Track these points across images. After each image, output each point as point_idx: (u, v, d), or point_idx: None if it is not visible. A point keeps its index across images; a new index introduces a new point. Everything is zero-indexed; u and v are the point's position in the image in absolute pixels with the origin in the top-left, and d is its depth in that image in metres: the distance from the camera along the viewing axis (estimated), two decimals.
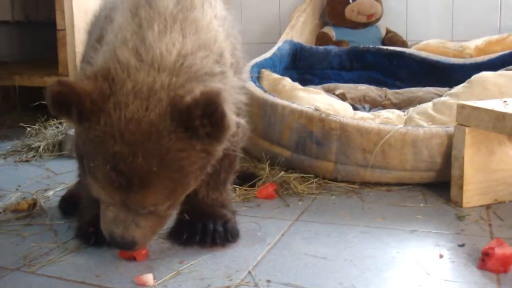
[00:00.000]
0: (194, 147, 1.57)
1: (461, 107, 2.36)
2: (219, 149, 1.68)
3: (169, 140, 1.53)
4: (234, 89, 1.78)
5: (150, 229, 1.70)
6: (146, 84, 1.54)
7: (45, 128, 3.69)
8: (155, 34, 1.60)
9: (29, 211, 2.37)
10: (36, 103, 3.88)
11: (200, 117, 1.51)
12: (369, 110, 3.49)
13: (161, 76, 1.55)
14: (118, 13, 1.72)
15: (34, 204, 2.41)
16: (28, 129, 3.67)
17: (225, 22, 1.85)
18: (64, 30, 4.04)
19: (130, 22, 1.64)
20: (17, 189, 2.70)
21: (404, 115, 3.13)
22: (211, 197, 2.05)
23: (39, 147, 3.43)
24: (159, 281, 1.73)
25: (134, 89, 1.54)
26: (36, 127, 3.70)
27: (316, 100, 3.02)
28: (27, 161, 3.29)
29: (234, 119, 1.61)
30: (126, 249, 1.73)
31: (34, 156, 3.34)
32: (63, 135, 3.49)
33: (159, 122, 1.53)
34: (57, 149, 3.43)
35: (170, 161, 1.55)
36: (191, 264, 1.84)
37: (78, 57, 3.74)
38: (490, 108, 2.23)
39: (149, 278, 1.73)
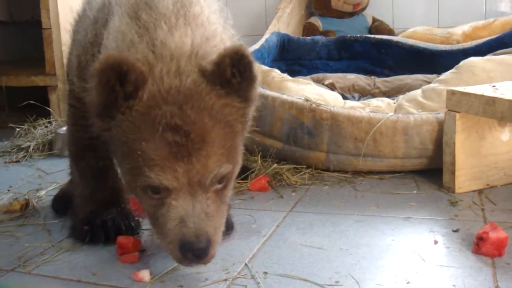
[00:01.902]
0: (233, 104, 1.58)
1: (451, 93, 2.37)
2: (250, 112, 1.69)
3: (210, 98, 1.54)
4: None
5: (219, 220, 1.60)
6: (173, 66, 1.55)
7: (34, 128, 3.67)
8: (164, 31, 1.60)
9: (22, 212, 2.36)
10: (24, 103, 3.88)
11: (230, 66, 1.53)
12: (359, 99, 3.50)
13: (182, 61, 1.56)
14: (114, 17, 1.71)
15: (26, 204, 2.40)
16: (17, 129, 3.65)
17: (221, 16, 1.85)
18: (50, 28, 4.01)
19: (132, 26, 1.64)
20: (8, 190, 2.69)
21: (394, 103, 3.14)
22: None
23: (29, 147, 3.41)
24: (156, 277, 1.73)
25: (162, 71, 1.54)
26: (25, 127, 3.68)
27: (305, 90, 3.02)
28: (17, 161, 3.27)
29: (259, 76, 1.65)
30: (203, 252, 1.53)
31: (24, 156, 3.32)
32: (53, 134, 3.48)
33: (195, 87, 1.53)
34: (47, 149, 3.41)
35: (218, 115, 1.55)
36: None
37: (65, 56, 3.73)
38: (480, 93, 2.24)
39: (145, 274, 1.72)
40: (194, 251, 1.52)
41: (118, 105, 1.53)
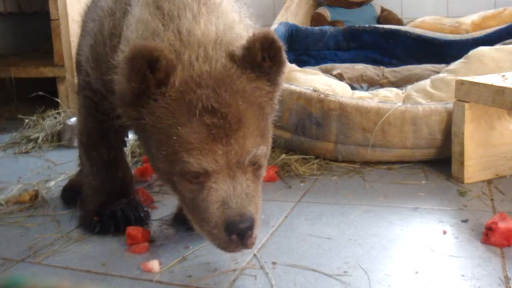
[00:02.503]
0: (263, 87, 1.61)
1: (460, 83, 2.36)
2: (277, 96, 1.70)
3: (241, 82, 1.56)
4: None
5: (258, 200, 1.61)
6: (202, 52, 1.57)
7: (43, 119, 3.68)
8: (189, 20, 1.62)
9: (31, 203, 2.37)
10: (33, 94, 3.89)
11: (261, 50, 1.56)
12: (367, 89, 3.49)
13: (210, 46, 1.58)
14: (134, 8, 1.71)
15: (36, 195, 2.41)
16: (26, 120, 3.66)
17: (237, 5, 1.85)
18: (58, 20, 4.02)
19: (155, 15, 1.64)
20: (18, 181, 2.70)
21: (402, 93, 3.13)
22: None
23: (38, 138, 3.42)
24: (165, 267, 1.73)
25: (191, 56, 1.56)
26: (34, 118, 3.69)
27: (314, 81, 3.01)
28: (26, 152, 3.28)
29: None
30: (248, 230, 1.51)
31: (33, 148, 3.33)
32: (62, 125, 3.49)
33: (226, 71, 1.56)
34: (56, 140, 3.43)
35: (250, 98, 1.57)
36: (197, 249, 1.85)
37: (74, 47, 3.73)
38: (489, 83, 2.23)
39: (155, 264, 1.73)
40: (240, 231, 1.50)
41: (150, 92, 1.54)
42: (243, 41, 1.63)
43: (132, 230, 1.92)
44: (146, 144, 1.68)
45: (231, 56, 1.58)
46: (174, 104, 1.52)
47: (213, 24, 1.62)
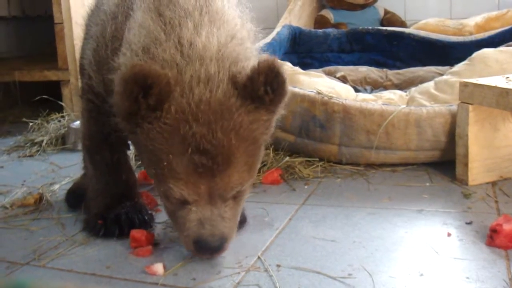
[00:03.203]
0: (261, 118, 1.61)
1: (464, 85, 2.36)
2: (275, 119, 1.71)
3: (239, 114, 1.56)
4: None
5: (234, 220, 1.69)
6: (203, 72, 1.56)
7: (47, 122, 3.69)
8: (191, 30, 1.61)
9: (36, 206, 2.37)
10: (37, 98, 3.90)
11: (264, 84, 1.55)
12: (371, 92, 3.48)
13: (212, 63, 1.57)
14: (136, 12, 1.71)
15: (40, 198, 2.41)
16: (31, 124, 3.67)
17: (238, 9, 1.84)
18: (62, 23, 4.02)
19: (156, 22, 1.64)
20: (22, 184, 2.71)
21: (406, 95, 3.12)
22: None
23: (42, 141, 3.43)
24: (170, 270, 1.73)
25: (193, 77, 1.55)
26: (38, 121, 3.70)
27: (317, 83, 3.01)
28: (31, 156, 3.29)
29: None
30: (217, 249, 1.65)
31: (37, 151, 3.34)
32: (66, 129, 3.49)
33: (226, 100, 1.55)
34: (60, 143, 3.43)
35: (245, 134, 1.57)
36: None
37: (78, 50, 3.74)
38: (493, 84, 2.23)
39: (159, 267, 1.73)
40: (210, 250, 1.64)
41: (143, 115, 1.55)
42: (245, 50, 1.65)
43: (136, 233, 1.92)
44: (139, 153, 1.76)
45: (233, 81, 1.57)
46: (169, 132, 1.55)
47: (214, 35, 1.61)
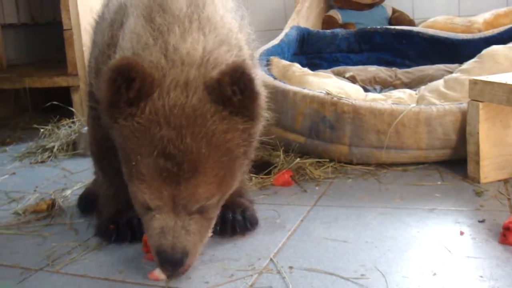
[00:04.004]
0: (236, 127, 1.58)
1: (474, 83, 2.35)
2: (257, 131, 1.67)
3: (213, 122, 1.54)
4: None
5: (200, 236, 1.65)
6: (182, 77, 1.56)
7: (58, 128, 3.71)
8: (177, 36, 1.61)
9: (48, 212, 2.38)
10: (47, 104, 3.92)
11: (230, 84, 1.52)
12: (380, 91, 3.48)
13: (192, 70, 1.57)
14: (129, 18, 1.73)
15: (52, 204, 2.43)
16: (42, 130, 3.69)
17: (236, 14, 1.85)
18: (71, 29, 4.04)
19: (147, 28, 1.65)
20: (35, 190, 2.72)
21: (416, 94, 3.12)
22: None
23: (53, 147, 3.45)
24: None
25: (172, 82, 1.55)
26: (49, 127, 3.72)
27: (326, 84, 3.01)
28: (42, 162, 3.31)
29: (264, 92, 1.63)
30: (177, 262, 1.60)
31: (49, 157, 3.35)
32: (77, 134, 3.51)
33: (201, 106, 1.54)
34: (72, 149, 3.45)
35: (217, 143, 1.55)
36: (213, 255, 1.85)
37: (86, 56, 3.76)
38: (503, 81, 2.22)
39: (160, 273, 1.72)
40: (170, 262, 1.60)
41: (121, 108, 1.55)
42: (242, 52, 1.65)
43: None
44: (118, 150, 1.73)
45: (207, 86, 1.55)
46: (140, 132, 1.54)
47: (200, 41, 1.61)
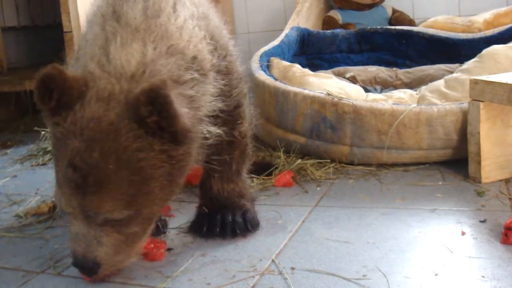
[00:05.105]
0: (152, 147, 1.52)
1: (474, 83, 2.35)
2: (182, 153, 1.59)
3: (127, 138, 1.50)
4: (207, 96, 1.71)
5: (114, 248, 1.62)
6: (107, 90, 1.53)
7: None
8: (117, 46, 1.58)
9: (49, 214, 2.38)
10: None
11: (145, 104, 1.47)
12: (381, 92, 3.48)
13: (121, 83, 1.54)
14: (89, 28, 1.73)
15: (54, 206, 2.42)
16: (42, 132, 3.68)
17: (205, 20, 1.79)
18: (71, 32, 4.04)
19: (98, 36, 1.64)
20: (36, 193, 2.72)
21: (416, 94, 3.12)
22: (227, 189, 2.06)
23: None
24: (184, 274, 1.74)
25: (97, 94, 1.53)
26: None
27: (327, 84, 3.01)
28: (43, 164, 3.31)
29: (187, 115, 1.55)
30: (88, 271, 1.63)
31: (50, 159, 3.35)
32: None
33: (117, 121, 1.50)
34: None
35: (128, 160, 1.50)
36: (215, 256, 1.85)
37: None
38: (504, 81, 2.22)
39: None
40: (81, 268, 1.64)
41: (48, 117, 1.58)
42: (201, 63, 1.65)
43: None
44: None
45: (127, 103, 1.51)
46: (61, 141, 1.56)
47: (138, 52, 1.58)
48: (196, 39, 1.70)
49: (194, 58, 1.66)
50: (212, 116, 1.76)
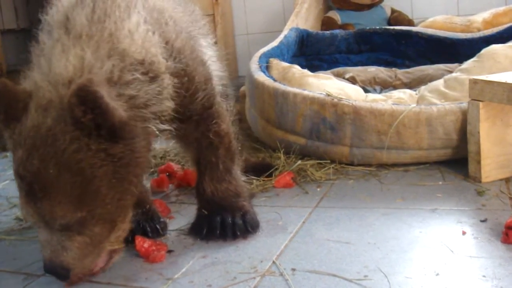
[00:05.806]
0: (89, 147, 1.52)
1: (474, 82, 2.35)
2: (123, 151, 1.58)
3: (64, 141, 1.51)
4: (155, 96, 1.68)
5: (81, 251, 1.62)
6: (46, 98, 1.55)
7: None
8: (57, 54, 1.60)
9: None
10: None
11: (77, 104, 1.47)
12: (380, 92, 3.48)
13: (58, 90, 1.54)
14: (40, 37, 1.75)
15: None
16: None
17: (160, 25, 1.77)
18: None
19: (46, 45, 1.67)
20: None
21: (416, 94, 3.12)
22: (220, 189, 2.05)
23: None
24: (185, 276, 1.74)
25: (37, 103, 1.55)
26: None
27: (326, 85, 3.01)
28: None
29: (122, 109, 1.55)
30: (59, 276, 1.65)
31: None
32: None
33: (55, 126, 1.51)
34: None
35: (67, 163, 1.51)
36: (215, 258, 1.85)
37: None
38: (503, 80, 2.22)
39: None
40: (51, 274, 1.66)
41: (4, 129, 1.61)
42: (152, 66, 1.65)
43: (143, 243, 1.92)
44: None
45: (63, 108, 1.52)
46: (12, 151, 1.61)
47: (76, 59, 1.57)
48: (149, 43, 1.69)
49: (142, 60, 1.65)
50: (166, 115, 1.76)
